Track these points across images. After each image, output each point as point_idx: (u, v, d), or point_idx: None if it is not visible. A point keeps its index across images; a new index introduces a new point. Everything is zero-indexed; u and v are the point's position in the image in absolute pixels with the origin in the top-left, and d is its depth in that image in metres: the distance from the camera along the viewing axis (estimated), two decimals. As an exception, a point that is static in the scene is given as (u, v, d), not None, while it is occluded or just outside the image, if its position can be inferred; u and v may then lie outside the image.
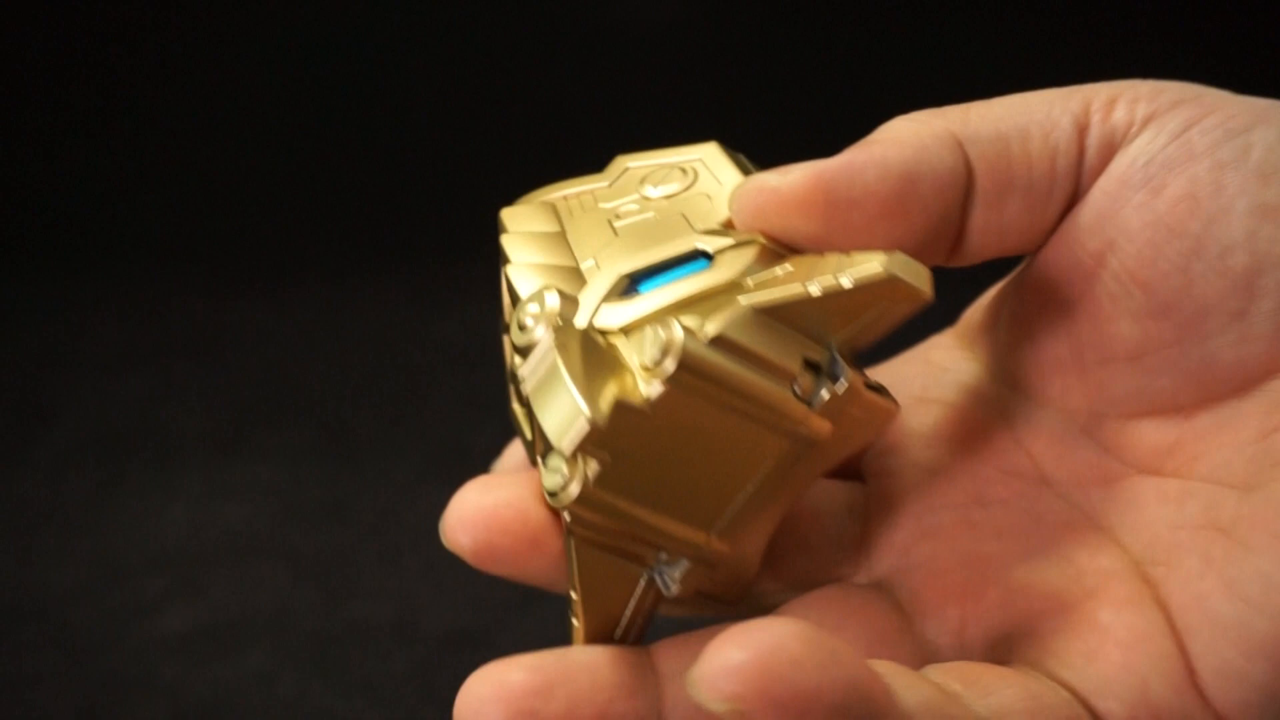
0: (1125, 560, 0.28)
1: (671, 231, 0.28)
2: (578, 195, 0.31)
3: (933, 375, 0.33)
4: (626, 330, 0.26)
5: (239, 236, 0.90)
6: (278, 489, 0.65)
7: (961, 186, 0.27)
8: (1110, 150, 0.27)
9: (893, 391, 0.28)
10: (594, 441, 0.24)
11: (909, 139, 0.27)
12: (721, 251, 0.27)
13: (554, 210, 0.30)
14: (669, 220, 0.28)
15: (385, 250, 0.87)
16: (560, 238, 0.29)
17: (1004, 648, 0.28)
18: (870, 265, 0.25)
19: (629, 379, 0.25)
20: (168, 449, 0.69)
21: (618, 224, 0.29)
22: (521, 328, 0.26)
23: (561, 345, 0.24)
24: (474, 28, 0.96)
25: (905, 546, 0.30)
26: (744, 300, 0.25)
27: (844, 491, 0.32)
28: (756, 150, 0.30)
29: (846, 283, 0.25)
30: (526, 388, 0.25)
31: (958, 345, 0.33)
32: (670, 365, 0.24)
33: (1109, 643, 0.27)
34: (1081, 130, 0.27)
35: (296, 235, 0.89)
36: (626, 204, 0.30)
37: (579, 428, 0.24)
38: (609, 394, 0.24)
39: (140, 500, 0.65)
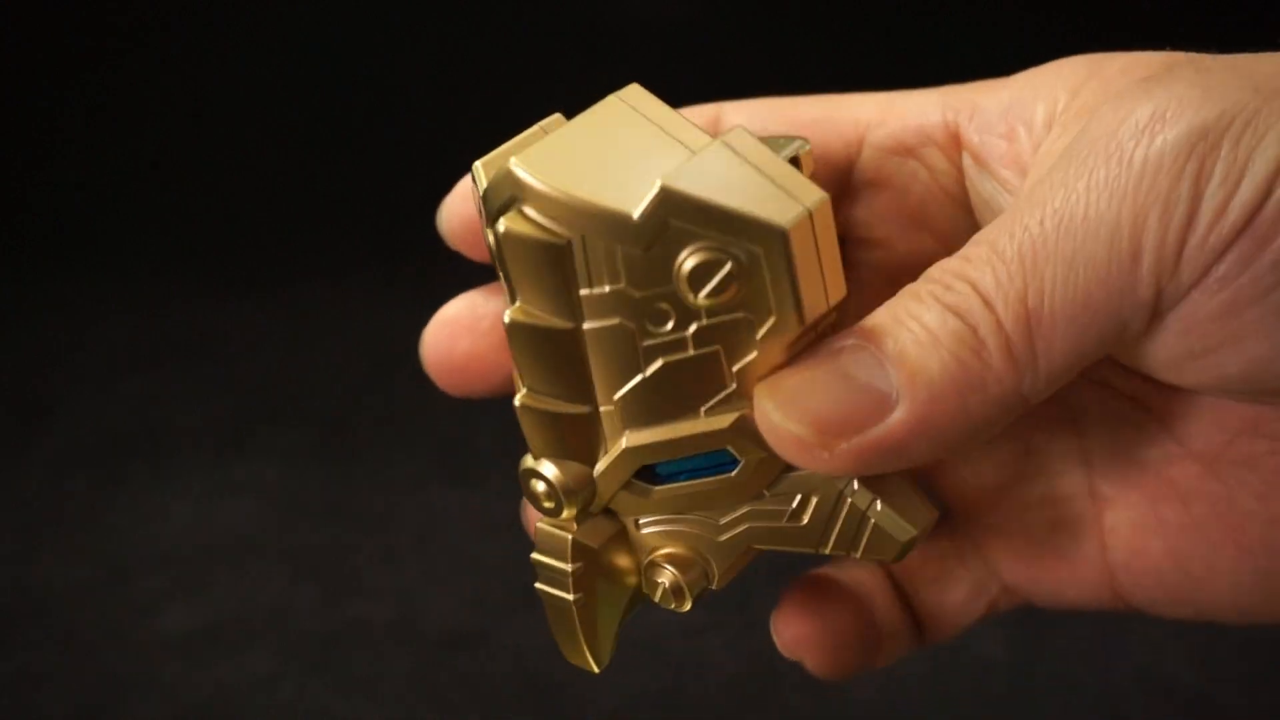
0: (1080, 469, 0.30)
1: (704, 380, 0.25)
2: (603, 247, 0.24)
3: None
4: (637, 521, 0.28)
5: (239, 237, 0.90)
6: (278, 489, 0.65)
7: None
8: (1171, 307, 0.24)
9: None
10: None
11: (972, 414, 0.24)
12: (750, 461, 0.26)
13: (569, 262, 0.24)
14: (703, 365, 0.25)
15: (385, 250, 0.87)
16: (574, 341, 0.25)
17: (957, 515, 0.32)
18: (887, 549, 0.26)
19: (632, 583, 0.28)
20: (168, 449, 0.69)
21: (645, 345, 0.25)
22: (534, 498, 0.27)
23: (578, 600, 0.28)
24: (474, 27, 0.96)
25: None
26: (755, 543, 0.27)
27: None
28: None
29: (857, 556, 0.26)
30: (539, 582, 0.28)
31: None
32: (680, 609, 0.28)
33: (1038, 558, 0.30)
34: (1150, 304, 0.24)
35: (296, 236, 0.89)
36: (658, 300, 0.24)
37: (587, 669, 0.29)
38: (612, 634, 0.29)
39: (140, 500, 0.65)
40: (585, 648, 0.28)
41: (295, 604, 0.57)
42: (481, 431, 0.68)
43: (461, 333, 0.31)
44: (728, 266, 0.23)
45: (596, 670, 0.28)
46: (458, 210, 0.30)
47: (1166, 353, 0.25)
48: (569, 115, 0.27)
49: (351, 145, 0.94)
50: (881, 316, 0.24)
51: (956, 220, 0.30)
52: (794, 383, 0.24)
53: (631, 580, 0.28)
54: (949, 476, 0.31)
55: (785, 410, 0.24)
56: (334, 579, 0.59)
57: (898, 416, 0.23)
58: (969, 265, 0.24)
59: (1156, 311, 0.24)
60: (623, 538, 0.28)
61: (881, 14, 0.95)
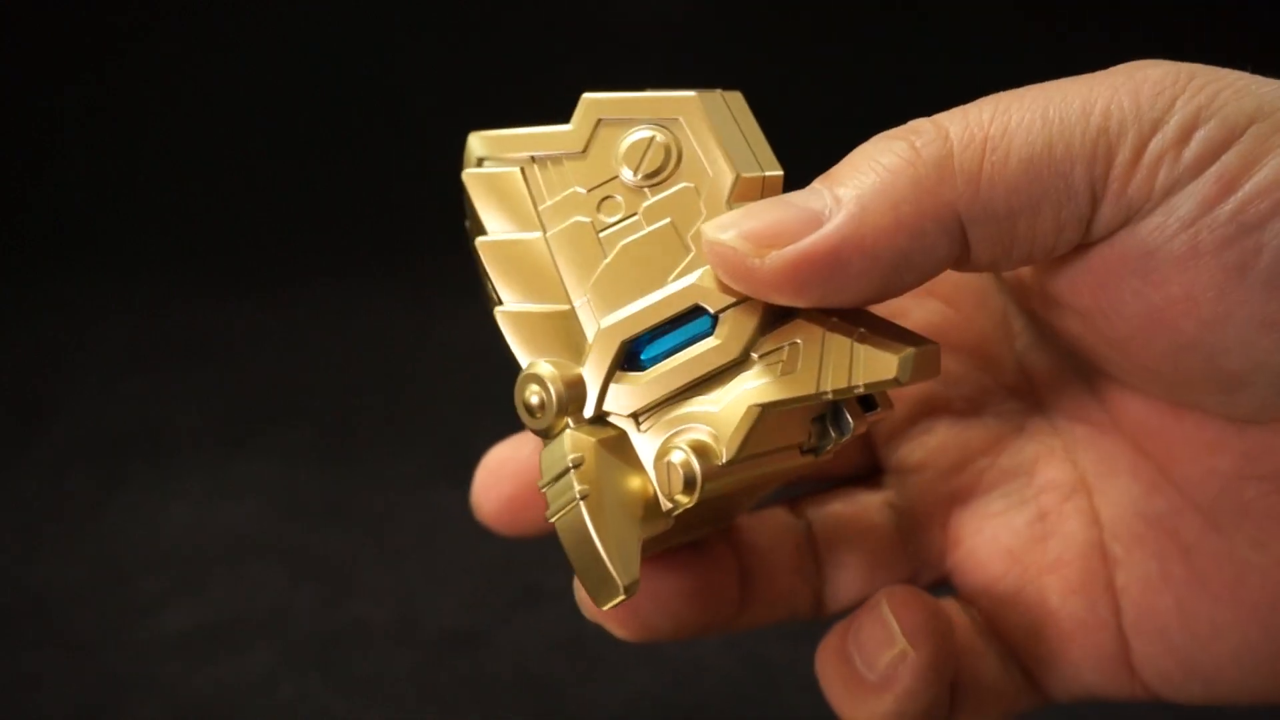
0: (1092, 530, 0.30)
1: (663, 253, 0.27)
2: (550, 164, 0.28)
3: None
4: (636, 415, 0.27)
5: (239, 237, 0.90)
6: (278, 489, 0.65)
7: (952, 260, 0.25)
8: (1118, 223, 0.24)
9: None
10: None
11: (905, 222, 0.24)
12: (724, 311, 0.26)
13: (526, 185, 0.28)
14: (658, 235, 0.27)
15: (385, 250, 0.87)
16: (541, 249, 0.28)
17: (970, 590, 0.31)
18: (884, 370, 0.25)
19: (645, 489, 0.27)
20: (168, 449, 0.69)
21: (603, 232, 0.27)
22: (528, 410, 0.27)
23: (584, 494, 0.26)
24: (474, 28, 0.96)
25: (904, 449, 0.32)
26: (752, 397, 0.26)
27: None
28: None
29: (859, 386, 0.25)
30: (550, 513, 0.27)
31: None
32: (691, 498, 0.26)
33: (1056, 632, 0.30)
34: (1096, 202, 0.24)
35: (297, 236, 0.89)
36: (606, 191, 0.27)
37: (614, 600, 0.26)
38: (634, 543, 0.26)
39: (140, 500, 0.65)
40: (607, 559, 0.26)
41: (295, 604, 0.57)
42: (481, 431, 0.68)
43: (507, 477, 0.32)
44: (658, 137, 0.27)
45: (624, 594, 0.26)
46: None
47: (1125, 299, 0.25)
48: (566, 114, 0.29)
49: (352, 145, 0.94)
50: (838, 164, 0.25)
51: (962, 282, 0.31)
52: (736, 210, 0.26)
53: (641, 488, 0.27)
54: (962, 548, 0.31)
55: (722, 225, 0.25)
56: (334, 579, 0.59)
57: (828, 226, 0.24)
58: (942, 112, 0.25)
59: (1106, 213, 0.24)
60: (624, 445, 0.28)
61: (885, 13, 0.95)
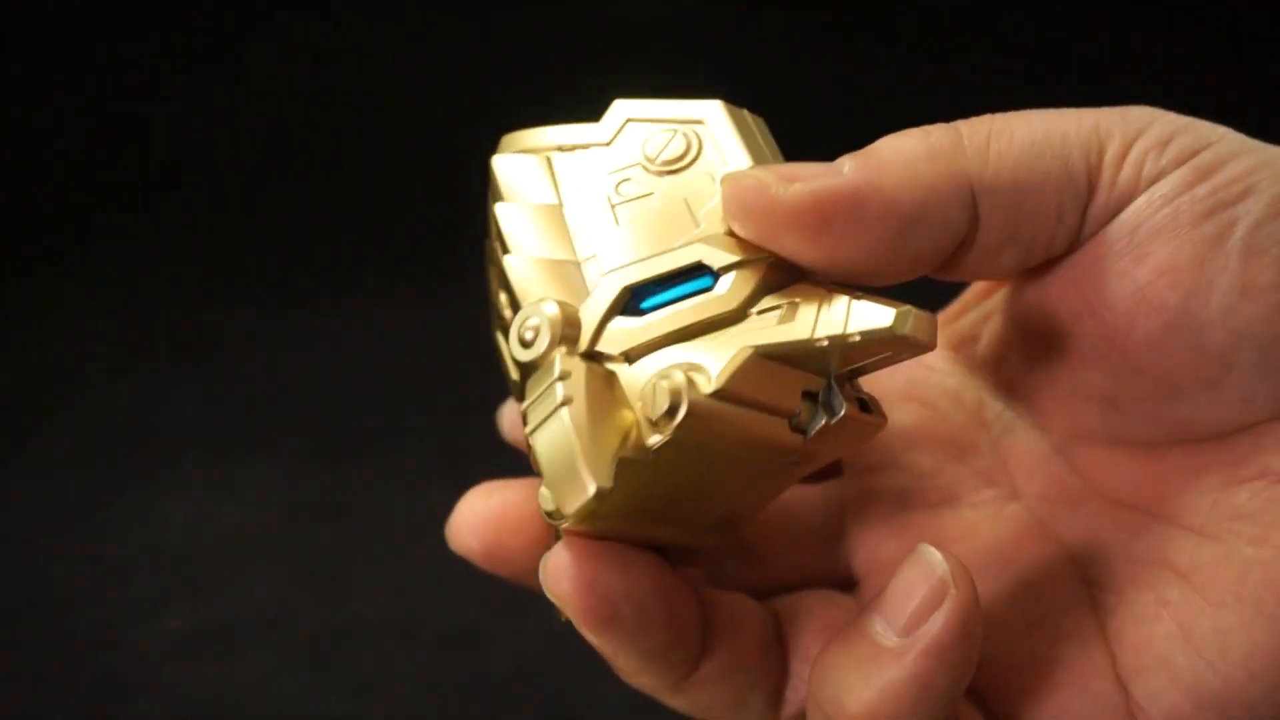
0: (1076, 582, 0.29)
1: (674, 224, 0.28)
2: (574, 152, 0.30)
3: (920, 374, 0.33)
4: (629, 355, 0.26)
5: (240, 238, 0.90)
6: (278, 489, 0.65)
7: (962, 236, 0.26)
8: (1110, 214, 0.27)
9: (880, 386, 0.29)
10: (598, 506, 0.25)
11: (922, 178, 0.26)
12: (725, 270, 0.26)
13: (550, 168, 0.30)
14: (671, 208, 0.28)
15: (385, 252, 0.87)
16: (557, 214, 0.29)
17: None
18: (879, 319, 0.25)
19: (629, 420, 0.25)
20: (168, 449, 0.69)
21: (618, 204, 0.28)
22: (523, 343, 0.27)
23: (568, 399, 0.25)
24: (474, 29, 0.96)
25: (876, 543, 0.32)
26: (748, 341, 0.25)
27: (824, 486, 0.33)
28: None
29: (854, 335, 0.25)
30: (529, 429, 0.25)
31: (945, 346, 0.33)
32: (674, 423, 0.25)
33: (1047, 684, 0.28)
34: (1092, 188, 0.26)
35: (297, 236, 0.89)
36: (626, 174, 0.29)
37: (584, 500, 0.24)
38: (610, 453, 0.25)
39: (140, 500, 0.65)
40: (582, 459, 0.24)
41: (295, 604, 0.57)
42: (481, 431, 0.68)
43: (478, 532, 0.31)
44: (681, 137, 0.29)
45: (593, 494, 0.24)
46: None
47: (1112, 284, 0.26)
48: (565, 114, 0.30)
49: (352, 145, 0.94)
50: None
51: (937, 385, 0.32)
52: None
53: (626, 419, 0.26)
54: None
55: (747, 170, 0.27)
56: (334, 579, 0.59)
57: (848, 170, 0.26)
58: None
59: (1100, 200, 0.26)
60: (614, 384, 0.26)
61: (885, 13, 0.95)
